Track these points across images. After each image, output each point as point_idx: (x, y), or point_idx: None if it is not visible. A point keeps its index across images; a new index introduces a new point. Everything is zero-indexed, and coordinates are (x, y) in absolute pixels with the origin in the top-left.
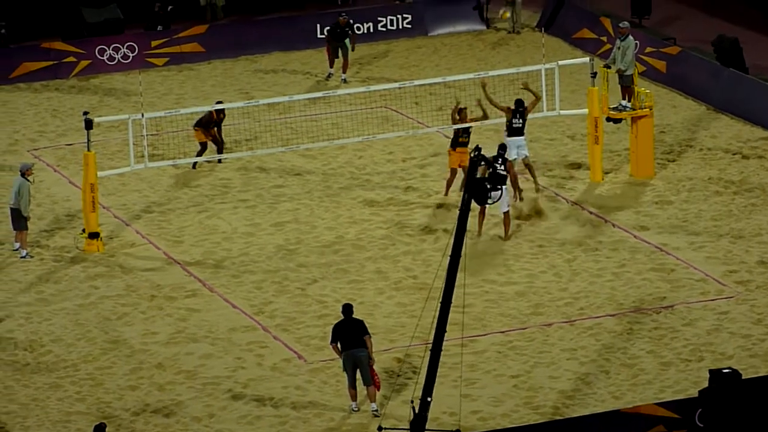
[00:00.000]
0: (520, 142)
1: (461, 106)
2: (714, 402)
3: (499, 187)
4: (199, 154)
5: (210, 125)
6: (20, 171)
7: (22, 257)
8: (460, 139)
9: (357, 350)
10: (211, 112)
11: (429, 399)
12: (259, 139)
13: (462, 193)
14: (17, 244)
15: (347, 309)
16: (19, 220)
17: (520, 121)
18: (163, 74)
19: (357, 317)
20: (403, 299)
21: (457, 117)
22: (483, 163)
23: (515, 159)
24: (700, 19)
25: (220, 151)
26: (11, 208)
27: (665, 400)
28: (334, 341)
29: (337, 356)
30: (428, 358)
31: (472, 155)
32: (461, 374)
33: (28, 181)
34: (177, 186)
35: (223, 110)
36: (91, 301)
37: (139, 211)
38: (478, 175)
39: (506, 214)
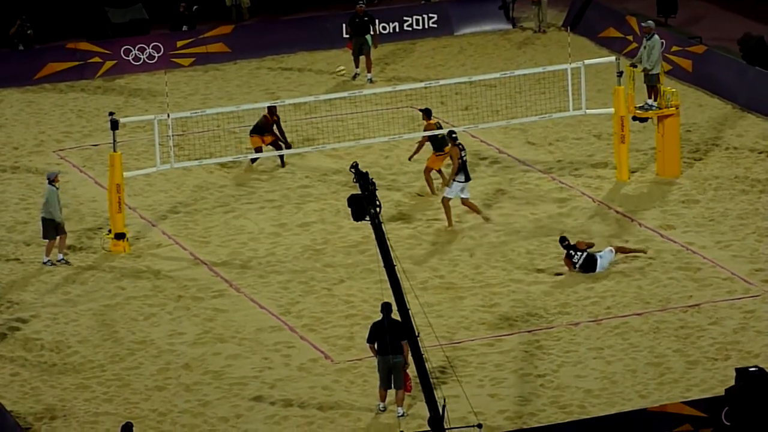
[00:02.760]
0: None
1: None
2: (740, 400)
3: (378, 203)
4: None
5: (266, 130)
6: (48, 179)
7: (59, 261)
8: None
9: (393, 356)
10: (265, 116)
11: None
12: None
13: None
14: (46, 258)
15: (386, 308)
16: (50, 228)
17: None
18: (189, 74)
19: (395, 318)
20: (430, 299)
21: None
22: (356, 180)
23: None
24: (725, 17)
25: (287, 147)
26: (42, 218)
27: (692, 398)
28: (371, 341)
29: (372, 355)
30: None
31: (352, 171)
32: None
33: (56, 188)
34: (203, 186)
35: (274, 109)
36: (117, 302)
37: (165, 211)
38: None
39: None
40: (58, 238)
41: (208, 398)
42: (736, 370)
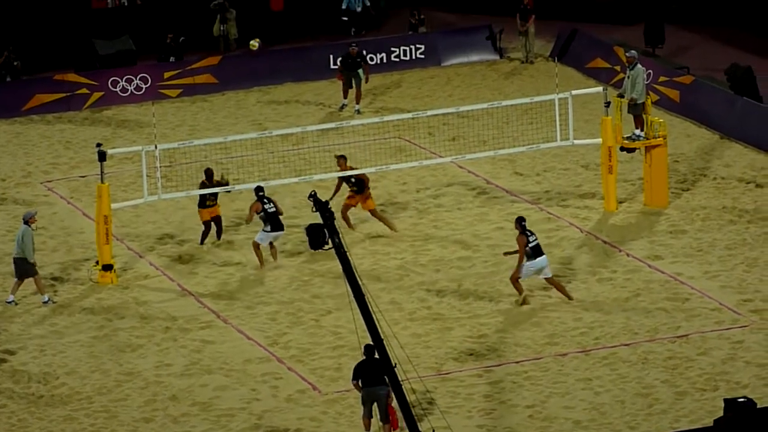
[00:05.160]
0: None
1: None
2: (729, 431)
3: (338, 233)
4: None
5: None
6: (23, 219)
7: (44, 303)
8: (351, 189)
9: (378, 388)
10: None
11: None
12: (272, 170)
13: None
14: (12, 297)
15: (369, 350)
16: (24, 268)
17: None
18: (176, 105)
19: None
20: (418, 330)
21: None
22: (315, 208)
23: None
24: (713, 48)
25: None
26: (15, 258)
27: (680, 429)
28: (355, 379)
29: (359, 392)
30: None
31: (310, 200)
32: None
33: (32, 228)
34: (191, 217)
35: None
36: (105, 333)
37: (152, 242)
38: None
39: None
40: (33, 279)
41: (195, 430)
42: (725, 400)
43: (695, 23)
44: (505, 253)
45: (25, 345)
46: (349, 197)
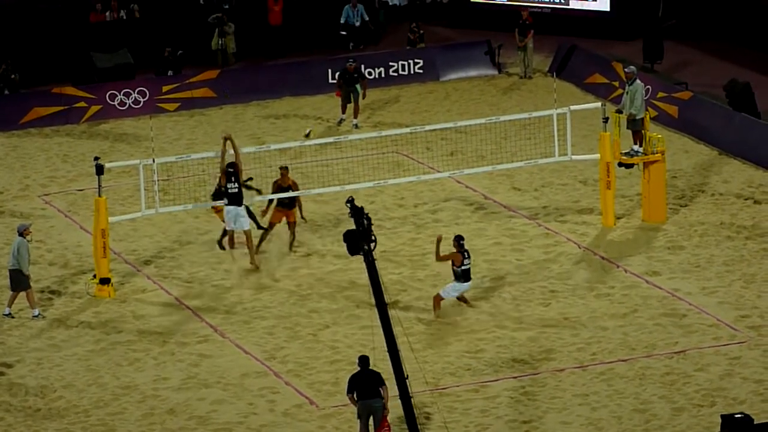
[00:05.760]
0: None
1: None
2: None
3: (374, 238)
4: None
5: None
6: (18, 231)
7: (34, 317)
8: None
9: (373, 401)
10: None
11: None
12: (270, 184)
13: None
14: (8, 309)
15: (363, 361)
16: (20, 280)
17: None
18: (174, 119)
19: (373, 369)
20: (415, 345)
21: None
22: (351, 215)
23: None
24: (711, 63)
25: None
26: (10, 270)
27: None
28: (350, 392)
29: (353, 405)
30: (403, 408)
31: (348, 206)
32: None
33: (27, 240)
34: (188, 231)
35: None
36: (102, 347)
37: (150, 256)
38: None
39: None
40: (25, 292)
41: None
42: (722, 416)
43: (694, 39)
44: (438, 241)
45: (22, 358)
46: (277, 211)
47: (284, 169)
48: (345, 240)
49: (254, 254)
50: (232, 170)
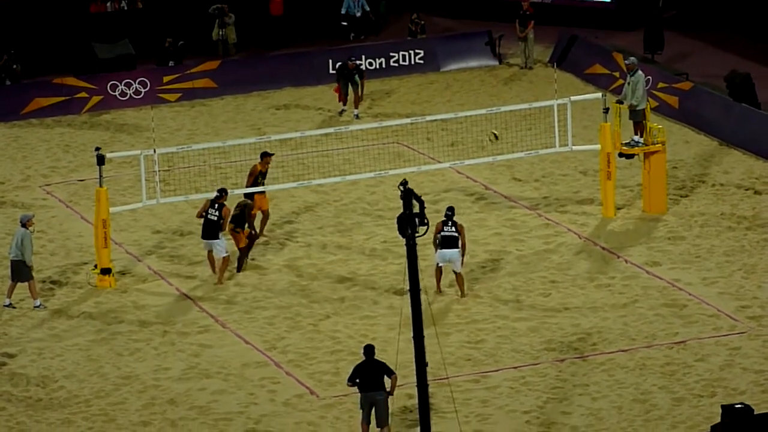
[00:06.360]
0: None
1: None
2: None
3: (426, 222)
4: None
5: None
6: (21, 222)
7: (36, 307)
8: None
9: (376, 393)
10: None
11: None
12: (271, 175)
13: None
14: (8, 300)
15: (369, 350)
16: (23, 271)
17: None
18: (175, 110)
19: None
20: None
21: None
22: (413, 198)
23: None
24: (712, 54)
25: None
26: (13, 260)
27: None
28: (351, 381)
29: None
30: (418, 395)
31: (401, 189)
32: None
33: (30, 231)
34: (189, 222)
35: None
36: (103, 337)
37: (151, 246)
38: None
39: (458, 274)
40: (27, 283)
41: None
42: (722, 407)
43: (694, 30)
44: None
45: (23, 348)
46: (258, 198)
47: (269, 156)
48: (398, 223)
49: (222, 275)
50: (219, 200)
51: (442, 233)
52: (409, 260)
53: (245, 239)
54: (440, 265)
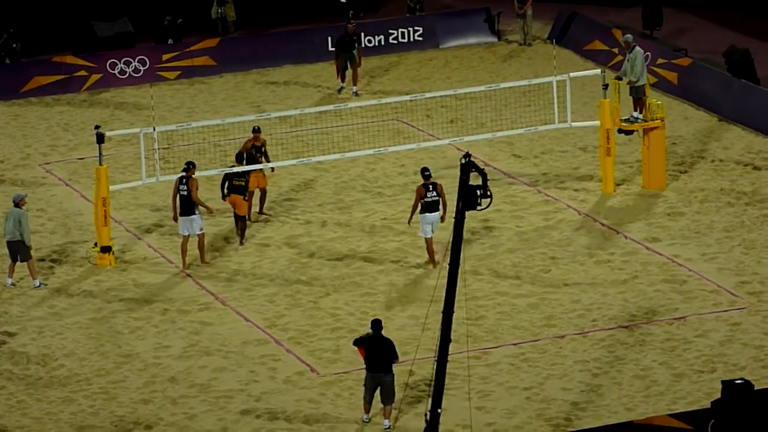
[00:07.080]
0: None
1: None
2: (727, 413)
3: (489, 193)
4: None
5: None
6: (14, 201)
7: (35, 287)
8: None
9: (383, 374)
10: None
11: (439, 411)
12: (270, 152)
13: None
14: (10, 279)
15: (376, 325)
16: (22, 251)
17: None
18: (175, 88)
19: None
20: (416, 311)
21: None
22: (473, 169)
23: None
24: (711, 30)
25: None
26: (10, 241)
27: (678, 411)
28: (358, 343)
29: (360, 357)
30: (435, 369)
31: (462, 161)
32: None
33: (25, 210)
34: None
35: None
36: (103, 315)
37: (151, 224)
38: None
39: (429, 240)
40: (26, 263)
41: (194, 411)
42: (723, 382)
43: (693, 5)
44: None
45: (24, 327)
46: (254, 177)
47: (257, 131)
48: (460, 192)
49: (204, 254)
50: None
51: (425, 199)
52: (455, 235)
53: (245, 206)
54: (429, 236)
